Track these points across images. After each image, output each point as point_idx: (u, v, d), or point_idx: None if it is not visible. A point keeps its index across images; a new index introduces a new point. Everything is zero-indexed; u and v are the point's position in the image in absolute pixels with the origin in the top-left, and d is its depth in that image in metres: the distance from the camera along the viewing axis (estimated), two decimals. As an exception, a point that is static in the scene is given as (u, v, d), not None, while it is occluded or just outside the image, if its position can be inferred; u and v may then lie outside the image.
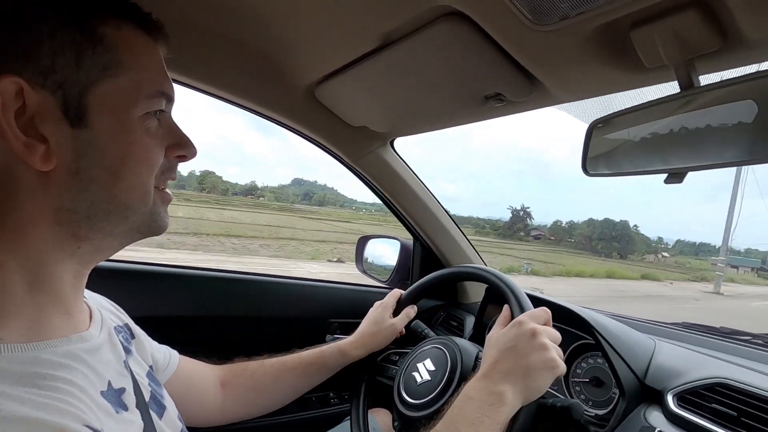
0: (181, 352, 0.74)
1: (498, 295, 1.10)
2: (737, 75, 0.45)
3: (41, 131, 0.39)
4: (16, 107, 0.38)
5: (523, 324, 0.64)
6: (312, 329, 1.20)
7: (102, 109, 0.41)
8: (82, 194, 0.42)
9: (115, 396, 0.44)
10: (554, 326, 1.03)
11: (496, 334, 0.66)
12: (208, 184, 65.46)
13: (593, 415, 0.89)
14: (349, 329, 0.96)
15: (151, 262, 1.08)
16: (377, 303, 0.96)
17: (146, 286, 1.04)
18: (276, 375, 0.83)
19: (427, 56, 0.67)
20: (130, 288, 1.01)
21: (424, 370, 0.81)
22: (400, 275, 1.43)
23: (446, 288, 1.33)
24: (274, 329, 1.18)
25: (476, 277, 0.86)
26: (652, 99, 0.52)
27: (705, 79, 0.48)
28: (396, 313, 0.93)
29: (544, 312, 0.68)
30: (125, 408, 0.44)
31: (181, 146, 0.50)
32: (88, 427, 0.35)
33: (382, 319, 0.91)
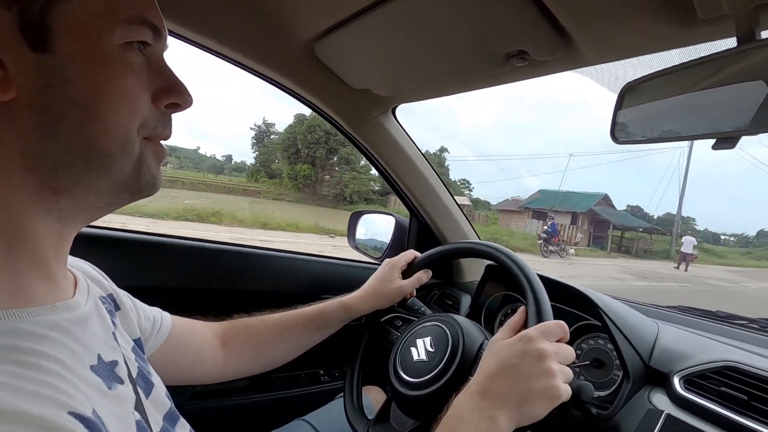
0: None
1: (501, 275, 1.08)
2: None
3: None
4: None
5: (533, 341, 0.56)
6: (304, 304, 1.16)
7: (69, 32, 0.35)
8: (52, 135, 0.36)
9: (107, 369, 0.39)
10: (557, 307, 1.00)
11: (501, 343, 0.59)
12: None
13: (596, 396, 0.87)
14: None
15: (138, 230, 1.02)
16: (387, 260, 0.92)
17: (133, 254, 0.98)
18: (278, 332, 0.81)
19: (447, 6, 0.60)
20: (117, 256, 0.95)
21: (422, 348, 0.78)
22: (395, 252, 1.37)
23: (447, 265, 1.29)
24: (266, 303, 1.13)
25: (500, 261, 0.79)
26: (702, 55, 0.47)
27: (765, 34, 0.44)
28: (407, 275, 0.90)
29: (560, 328, 0.60)
30: (120, 381, 0.40)
31: (173, 91, 0.43)
32: (72, 414, 0.30)
33: (390, 279, 0.88)
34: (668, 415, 0.71)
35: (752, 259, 31.52)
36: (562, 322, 0.62)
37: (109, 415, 0.34)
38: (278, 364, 0.82)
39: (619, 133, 0.58)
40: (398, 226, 1.39)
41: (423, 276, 0.89)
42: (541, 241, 18.07)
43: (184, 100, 0.44)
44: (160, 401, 0.50)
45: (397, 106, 1.05)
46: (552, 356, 0.55)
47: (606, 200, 31.49)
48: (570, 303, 0.97)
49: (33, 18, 0.34)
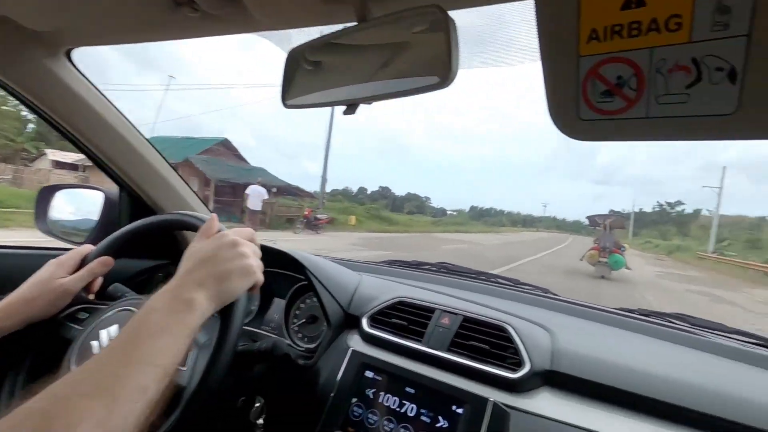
0: None
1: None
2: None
3: None
4: None
5: (226, 235, 0.62)
6: None
7: None
8: None
9: None
10: (273, 272, 1.03)
11: (197, 246, 0.61)
12: None
13: (303, 349, 0.95)
14: None
15: None
16: (51, 261, 0.74)
17: None
18: None
19: None
20: None
21: (107, 341, 0.67)
22: (104, 233, 1.15)
23: (162, 241, 1.15)
24: None
25: (190, 226, 0.73)
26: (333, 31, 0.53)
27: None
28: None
29: (250, 231, 0.67)
30: None
31: None
32: None
33: (49, 280, 0.70)
34: (353, 351, 0.83)
35: (434, 226, 35.86)
36: (250, 228, 0.69)
37: None
38: None
39: (288, 97, 0.61)
40: (108, 201, 1.17)
41: (98, 267, 0.75)
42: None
43: None
44: None
45: (71, 49, 0.83)
46: (245, 244, 0.62)
47: (225, 145, 22.12)
48: (287, 267, 1.02)
49: None
